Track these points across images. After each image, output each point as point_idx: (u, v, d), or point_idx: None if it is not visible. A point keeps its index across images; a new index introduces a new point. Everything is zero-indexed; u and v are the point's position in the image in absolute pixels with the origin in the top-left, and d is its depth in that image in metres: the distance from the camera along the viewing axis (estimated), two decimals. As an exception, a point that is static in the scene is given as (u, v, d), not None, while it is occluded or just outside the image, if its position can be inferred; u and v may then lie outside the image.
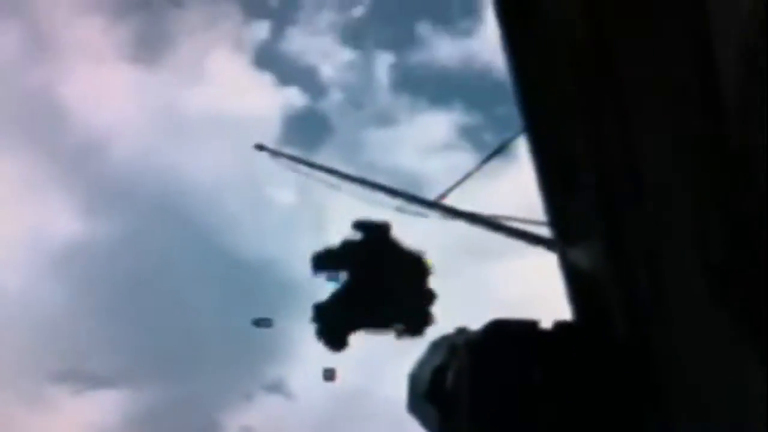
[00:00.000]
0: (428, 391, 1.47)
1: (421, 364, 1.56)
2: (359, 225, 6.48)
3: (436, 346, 1.57)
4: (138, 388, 25.14)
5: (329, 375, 8.62)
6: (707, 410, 3.95)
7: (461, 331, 1.53)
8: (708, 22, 3.68)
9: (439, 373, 1.48)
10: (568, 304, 5.50)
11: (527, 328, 1.31)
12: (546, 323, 1.32)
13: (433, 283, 6.42)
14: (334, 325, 6.09)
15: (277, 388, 23.53)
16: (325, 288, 6.56)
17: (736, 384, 4.27)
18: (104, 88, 26.12)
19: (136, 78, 26.54)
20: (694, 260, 4.36)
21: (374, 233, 6.38)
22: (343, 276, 6.15)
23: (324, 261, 6.33)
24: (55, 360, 24.33)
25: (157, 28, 28.10)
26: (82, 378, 24.76)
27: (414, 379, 1.56)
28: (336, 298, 6.09)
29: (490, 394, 1.27)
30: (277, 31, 26.73)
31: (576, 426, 1.20)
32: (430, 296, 6.12)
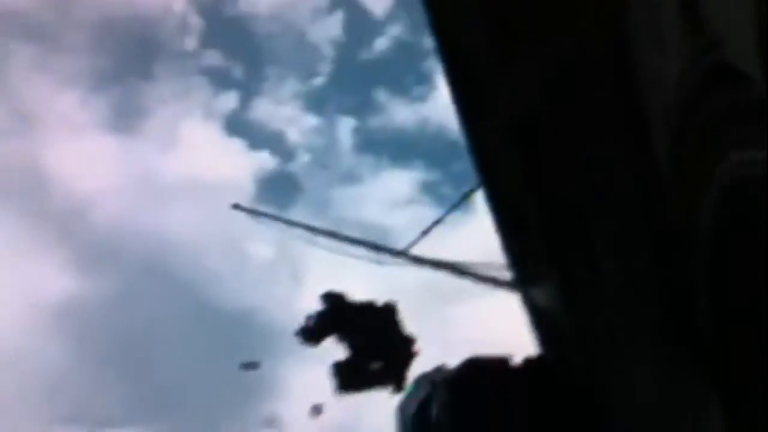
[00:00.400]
0: (414, 423, 1.51)
1: (407, 399, 1.61)
2: (324, 296, 6.68)
3: (418, 382, 1.62)
4: (141, 428, 24.78)
5: (316, 411, 8.60)
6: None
7: (439, 369, 1.58)
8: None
9: (423, 406, 1.53)
10: (533, 338, 5.55)
11: (499, 364, 1.35)
12: (515, 358, 1.36)
13: (407, 325, 6.53)
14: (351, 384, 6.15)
15: (271, 424, 23.21)
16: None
17: (678, 410, 4.34)
18: (84, 157, 26.00)
19: (114, 147, 26.47)
20: (638, 311, 4.43)
21: (337, 301, 6.55)
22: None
23: (308, 335, 6.51)
24: (60, 406, 24.02)
25: (131, 100, 28.00)
26: (87, 420, 24.43)
27: (401, 413, 1.61)
28: (341, 366, 6.22)
29: (469, 424, 1.32)
30: (245, 101, 26.74)
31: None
32: (408, 339, 6.18)
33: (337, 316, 6.29)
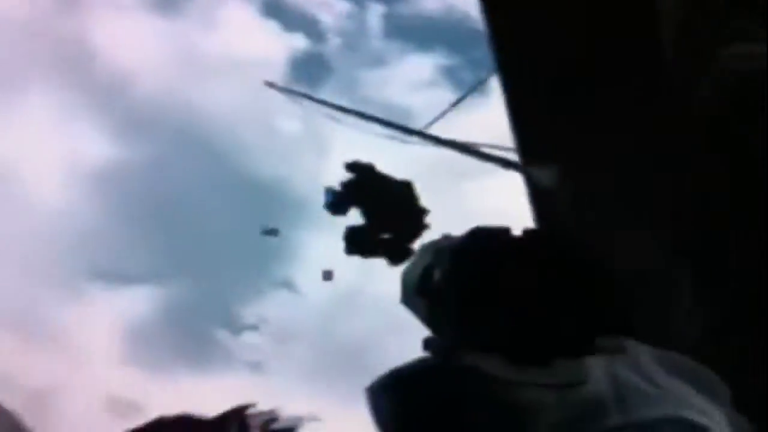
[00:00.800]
0: (418, 286, 1.55)
1: (412, 264, 1.64)
2: (349, 166, 6.60)
3: (424, 249, 1.64)
4: (164, 285, 25.49)
5: (327, 276, 8.74)
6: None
7: (446, 237, 1.60)
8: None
9: (427, 270, 1.55)
10: (533, 217, 5.61)
11: (501, 233, 1.38)
12: (515, 230, 1.38)
13: (422, 200, 6.54)
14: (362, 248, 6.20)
15: (287, 285, 23.79)
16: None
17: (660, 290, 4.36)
18: (128, 34, 25.84)
19: (156, 25, 26.31)
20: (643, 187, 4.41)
21: (363, 170, 6.49)
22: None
23: (335, 204, 6.51)
24: (94, 263, 24.58)
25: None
26: (115, 276, 25.08)
27: (406, 277, 1.64)
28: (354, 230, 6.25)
29: (470, 286, 1.35)
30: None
31: (536, 306, 1.27)
32: (420, 213, 6.17)
33: (361, 184, 6.28)
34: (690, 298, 4.33)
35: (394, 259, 2.38)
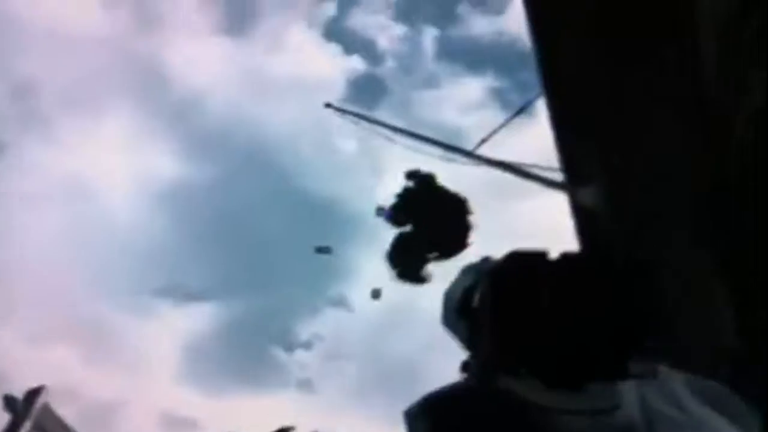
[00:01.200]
0: (458, 308, 1.54)
1: (453, 286, 1.63)
2: (410, 174, 6.52)
3: (465, 271, 1.63)
4: (226, 302, 25.77)
5: (376, 294, 8.75)
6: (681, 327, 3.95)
7: (486, 260, 1.59)
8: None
9: (467, 293, 1.54)
10: (577, 236, 5.55)
11: (538, 256, 1.37)
12: (553, 252, 1.36)
13: (471, 218, 6.54)
14: (408, 267, 6.13)
15: (339, 303, 23.85)
16: (383, 226, 6.71)
17: (706, 303, 4.29)
18: (200, 56, 26.37)
19: (226, 48, 26.74)
20: (682, 205, 4.34)
21: (423, 181, 6.42)
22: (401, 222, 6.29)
23: (390, 212, 6.39)
24: (158, 278, 25.04)
25: (243, 7, 28.14)
26: (181, 293, 25.46)
27: (447, 298, 1.63)
28: (401, 242, 6.14)
29: (507, 310, 1.34)
30: (342, 10, 26.58)
31: (574, 338, 1.25)
32: (466, 229, 6.08)
33: (418, 193, 6.25)
34: (729, 310, 4.25)
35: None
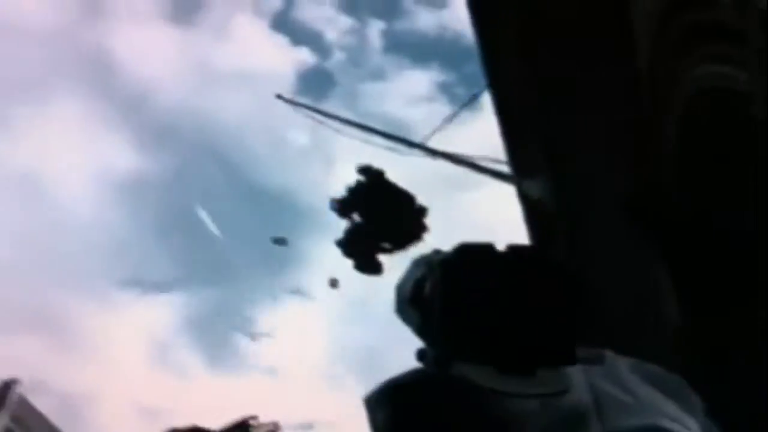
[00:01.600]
0: (410, 298, 1.55)
1: (404, 277, 1.64)
2: (362, 169, 6.48)
3: (416, 263, 1.64)
4: (189, 292, 25.66)
5: (333, 283, 8.74)
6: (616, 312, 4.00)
7: (436, 252, 1.60)
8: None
9: (418, 283, 1.55)
10: (525, 226, 5.61)
11: (487, 248, 1.38)
12: (500, 245, 1.37)
13: (422, 212, 6.56)
14: (363, 256, 6.10)
15: (298, 292, 23.82)
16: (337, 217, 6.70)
17: (642, 283, 4.36)
18: (147, 45, 26.08)
19: (173, 36, 26.50)
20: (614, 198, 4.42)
21: (374, 175, 6.40)
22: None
23: (341, 205, 6.32)
24: (121, 270, 24.73)
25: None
26: (143, 285, 25.21)
27: (399, 289, 1.64)
28: (354, 233, 6.10)
29: (457, 300, 1.36)
30: (289, 1, 26.52)
31: (523, 324, 1.27)
32: (418, 222, 6.09)
33: (370, 188, 6.24)
34: (672, 294, 4.33)
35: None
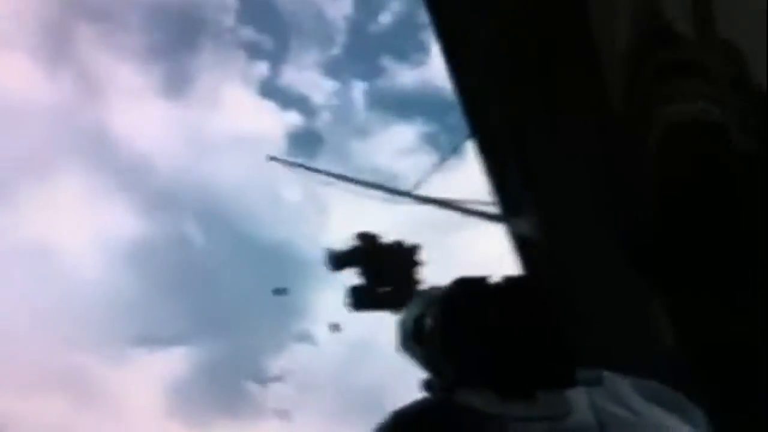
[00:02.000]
0: (413, 333, 1.54)
1: (406, 314, 1.63)
2: (359, 235, 6.58)
3: (415, 300, 1.64)
4: (195, 345, 25.46)
5: (335, 328, 8.74)
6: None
7: (434, 288, 1.60)
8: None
9: (419, 320, 1.55)
10: (517, 264, 5.62)
11: (483, 280, 1.39)
12: (495, 277, 1.38)
13: (418, 258, 6.59)
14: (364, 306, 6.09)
15: (303, 338, 23.84)
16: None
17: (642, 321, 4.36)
18: (143, 119, 26.36)
19: (167, 109, 26.72)
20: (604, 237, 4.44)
21: (368, 241, 6.48)
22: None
23: (337, 261, 6.39)
24: (132, 328, 24.62)
25: (180, 70, 28.20)
26: (154, 340, 25.03)
27: (402, 326, 1.63)
28: (359, 289, 6.13)
29: (457, 330, 1.36)
30: (275, 68, 26.89)
31: (522, 350, 1.27)
32: (415, 275, 6.11)
33: (366, 252, 6.30)
34: (668, 326, 4.33)
35: (394, 309, 2.38)
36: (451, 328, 1.66)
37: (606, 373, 1.44)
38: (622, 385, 1.43)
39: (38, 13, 25.60)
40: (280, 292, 10.08)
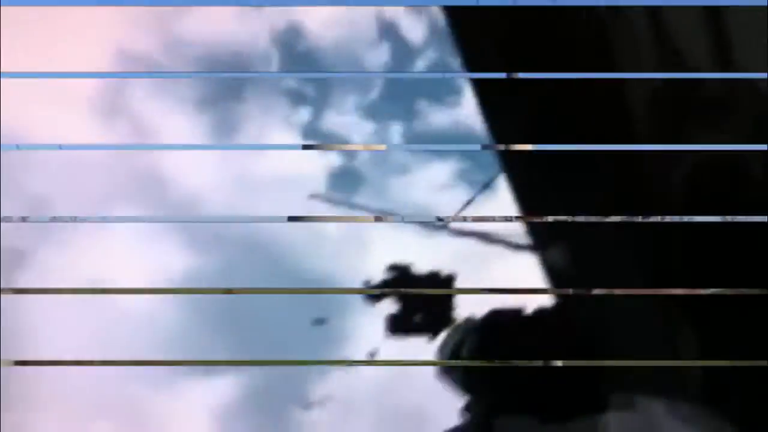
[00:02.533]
0: (451, 360, 1.54)
1: (443, 342, 1.64)
2: (393, 267, 6.70)
3: (453, 329, 1.64)
4: (242, 373, 25.45)
5: (372, 355, 8.74)
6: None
7: (468, 320, 1.60)
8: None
9: (456, 349, 1.55)
10: (548, 289, 5.58)
11: (515, 313, 1.37)
12: (529, 308, 1.37)
13: (451, 286, 6.59)
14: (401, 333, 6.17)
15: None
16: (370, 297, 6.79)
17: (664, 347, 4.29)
18: (192, 163, 26.77)
19: (215, 154, 27.17)
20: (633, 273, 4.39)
21: (402, 273, 6.56)
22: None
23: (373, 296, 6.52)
24: (180, 357, 24.69)
25: (227, 117, 28.69)
26: (202, 369, 25.06)
27: (440, 352, 1.64)
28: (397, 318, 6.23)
29: (495, 356, 1.35)
30: (316, 113, 27.25)
31: (551, 380, 1.25)
32: (450, 306, 6.19)
33: (400, 281, 6.34)
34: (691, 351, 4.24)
35: (431, 335, 2.40)
36: (487, 354, 1.67)
37: (636, 397, 1.44)
38: (652, 407, 1.42)
39: (94, 69, 26.36)
40: (318, 322, 10.14)
